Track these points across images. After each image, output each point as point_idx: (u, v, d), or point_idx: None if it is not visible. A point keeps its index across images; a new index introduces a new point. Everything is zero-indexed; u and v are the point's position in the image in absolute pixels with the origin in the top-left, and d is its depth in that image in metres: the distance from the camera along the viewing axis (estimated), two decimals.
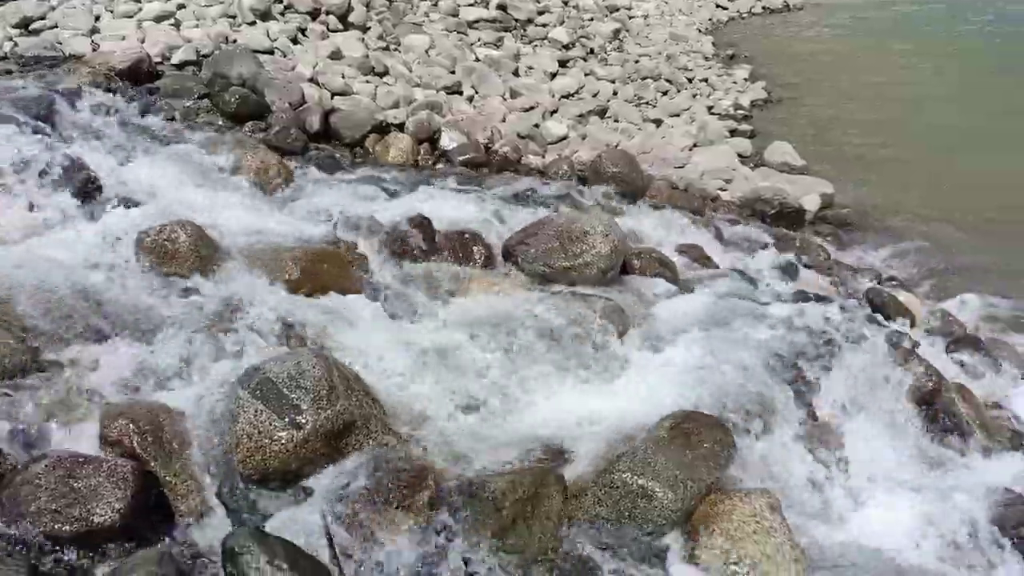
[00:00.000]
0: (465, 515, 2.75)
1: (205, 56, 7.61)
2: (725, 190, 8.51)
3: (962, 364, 5.04)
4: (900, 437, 3.84)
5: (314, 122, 6.84)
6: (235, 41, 8.22)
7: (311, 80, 7.73)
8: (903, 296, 5.86)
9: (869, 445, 3.71)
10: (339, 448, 2.89)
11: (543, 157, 7.75)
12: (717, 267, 5.34)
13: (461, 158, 7.12)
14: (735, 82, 13.62)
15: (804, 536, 3.14)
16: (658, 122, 10.48)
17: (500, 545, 2.73)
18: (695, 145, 9.86)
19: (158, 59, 7.44)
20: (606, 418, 3.42)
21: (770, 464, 3.47)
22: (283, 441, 2.78)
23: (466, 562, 2.62)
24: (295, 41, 8.85)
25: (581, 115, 9.48)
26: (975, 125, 11.68)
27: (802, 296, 4.89)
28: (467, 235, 4.78)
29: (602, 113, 9.90)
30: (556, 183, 6.37)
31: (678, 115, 11.01)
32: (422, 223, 4.68)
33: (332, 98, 7.60)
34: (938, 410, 4.06)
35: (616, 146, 8.43)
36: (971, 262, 7.31)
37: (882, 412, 3.93)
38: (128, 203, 4.47)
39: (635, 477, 2.92)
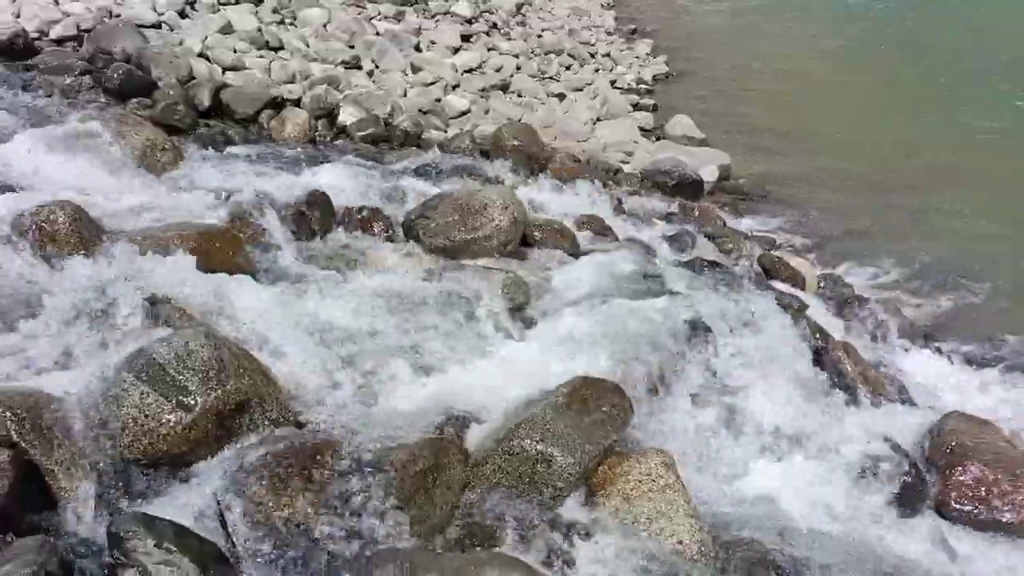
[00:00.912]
0: (365, 489, 2.72)
1: (86, 31, 7.25)
2: (627, 162, 8.64)
3: (849, 324, 5.28)
4: (790, 394, 3.98)
5: (204, 98, 6.61)
6: (118, 15, 7.84)
7: (200, 55, 7.45)
8: (794, 261, 6.08)
9: (761, 403, 3.83)
10: (232, 428, 2.82)
11: (445, 132, 7.70)
12: (617, 238, 5.42)
13: (360, 133, 7.00)
14: (637, 57, 13.79)
15: (699, 491, 3.25)
16: (561, 96, 10.54)
17: (402, 517, 2.72)
18: (598, 119, 9.96)
19: (35, 34, 7.05)
20: (506, 387, 3.43)
21: (666, 424, 3.56)
22: (171, 424, 2.69)
23: (367, 535, 2.59)
24: (183, 15, 8.51)
25: (484, 89, 9.45)
26: (870, 99, 12.19)
27: (698, 263, 5.02)
28: (366, 210, 4.71)
29: (505, 88, 9.89)
30: (458, 157, 6.34)
31: (581, 89, 11.09)
32: (319, 199, 4.59)
33: (223, 73, 7.36)
34: (825, 368, 4.24)
35: (519, 120, 8.44)
36: (860, 228, 7.65)
37: (773, 371, 4.06)
38: (3, 185, 4.23)
39: (534, 443, 2.95)
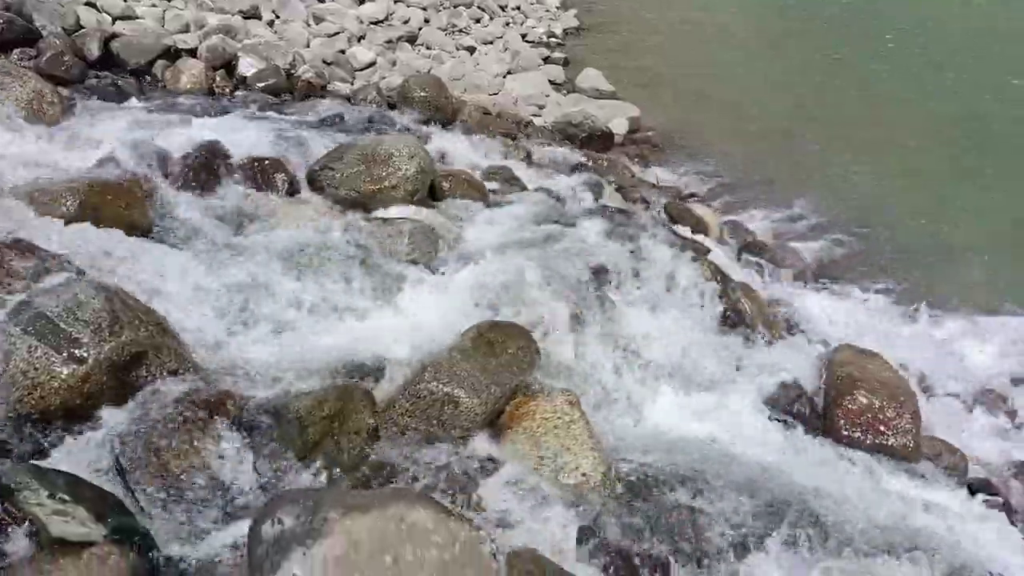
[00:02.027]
0: (269, 437, 2.70)
1: None
2: (538, 115, 8.66)
3: (749, 267, 5.46)
4: (691, 333, 4.11)
5: (93, 48, 6.29)
6: None
7: (88, 3, 7.07)
8: (699, 209, 6.24)
9: (665, 342, 3.95)
10: (129, 380, 2.74)
11: (351, 83, 7.54)
12: (526, 187, 5.44)
13: (261, 85, 6.79)
14: (548, 10, 13.74)
15: (604, 426, 3.34)
16: (471, 50, 10.44)
17: (308, 464, 2.72)
18: (509, 72, 9.92)
19: None
20: (414, 334, 3.44)
21: (573, 365, 3.63)
22: (63, 377, 2.60)
23: (270, 482, 2.58)
24: None
25: (390, 41, 9.27)
26: (776, 56, 12.48)
27: (605, 211, 5.09)
28: (267, 162, 4.59)
29: (412, 40, 9.73)
30: (364, 109, 6.22)
31: (491, 43, 11.01)
32: (216, 151, 4.45)
33: (113, 23, 7.00)
34: (725, 308, 4.38)
35: (428, 71, 8.34)
36: (762, 177, 7.87)
37: (676, 312, 4.19)
38: None
39: (441, 386, 2.98)
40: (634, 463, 3.19)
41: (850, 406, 3.63)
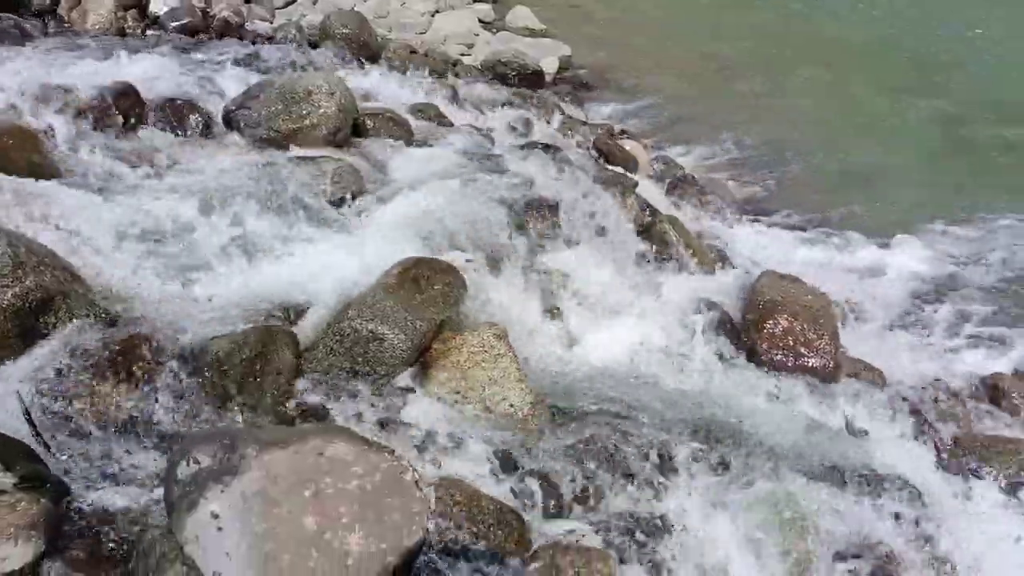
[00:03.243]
0: (187, 381, 2.65)
1: None
2: (467, 55, 8.51)
3: (678, 200, 5.51)
4: (621, 265, 4.14)
5: None
6: None
7: None
8: (629, 145, 6.24)
9: (594, 274, 3.97)
10: (36, 326, 2.65)
11: (270, 22, 7.27)
12: (453, 125, 5.35)
13: (174, 24, 6.51)
14: None
15: (532, 359, 3.36)
16: None
17: (228, 406, 2.68)
18: (437, 11, 9.69)
19: None
20: (337, 273, 3.37)
21: (501, 299, 3.62)
22: None
23: (190, 427, 2.53)
24: None
25: None
26: None
27: (533, 147, 5.04)
28: (181, 103, 4.42)
29: None
30: (284, 48, 6.01)
31: None
32: (127, 92, 4.26)
33: None
34: (653, 239, 4.41)
35: (353, 8, 8.09)
36: (692, 114, 7.92)
37: (605, 245, 4.20)
38: None
39: (365, 323, 2.95)
40: (562, 393, 3.23)
41: (772, 330, 3.71)
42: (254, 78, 4.93)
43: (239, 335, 2.83)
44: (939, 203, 6.20)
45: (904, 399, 3.85)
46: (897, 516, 3.05)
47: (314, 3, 8.13)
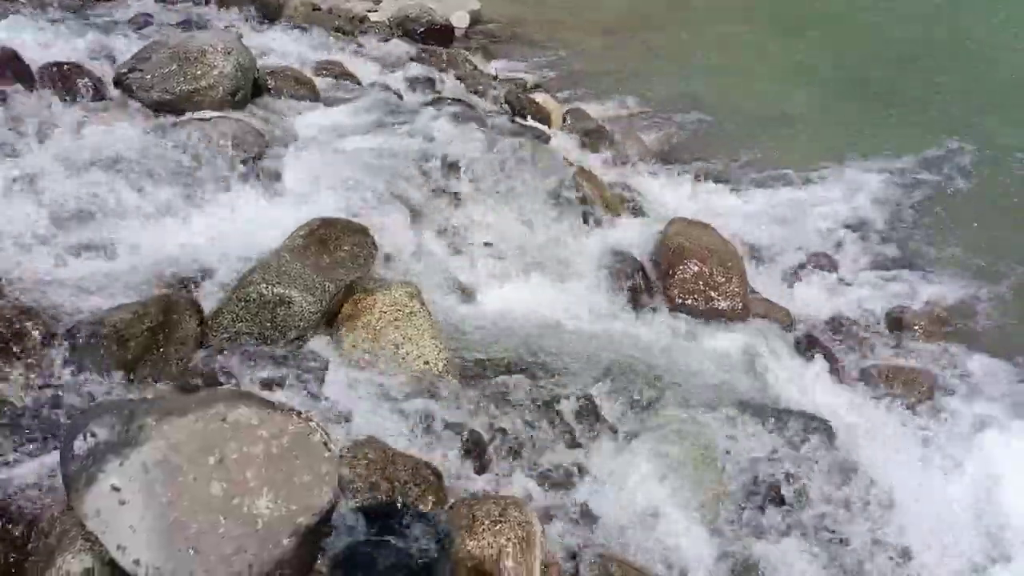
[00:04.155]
0: (85, 354, 2.54)
1: None
2: (374, 11, 8.31)
3: (591, 152, 5.51)
4: (534, 218, 4.13)
5: None
6: None
7: None
8: (541, 98, 6.20)
9: (506, 228, 3.96)
10: None
11: None
12: (360, 83, 5.23)
13: None
14: None
15: (447, 315, 3.35)
16: None
17: (131, 379, 2.59)
18: None
19: None
20: (242, 238, 3.30)
21: (414, 257, 3.59)
22: None
23: (90, 402, 2.44)
24: None
25: None
26: None
27: (443, 102, 4.97)
28: (69, 67, 4.19)
29: None
30: (178, 7, 5.76)
31: None
32: (6, 56, 4.02)
33: None
34: (565, 192, 4.41)
35: None
36: (604, 66, 7.92)
37: (516, 199, 4.18)
38: None
39: (270, 287, 2.87)
40: (478, 347, 3.23)
41: (682, 275, 3.77)
42: (147, 40, 4.70)
43: (139, 305, 2.73)
44: (843, 146, 6.36)
45: (810, 335, 3.97)
46: (805, 446, 3.16)
47: None
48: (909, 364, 4.04)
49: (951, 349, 4.19)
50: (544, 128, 5.53)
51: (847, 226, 5.31)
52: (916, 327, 4.31)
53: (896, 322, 4.38)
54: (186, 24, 5.27)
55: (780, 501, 2.93)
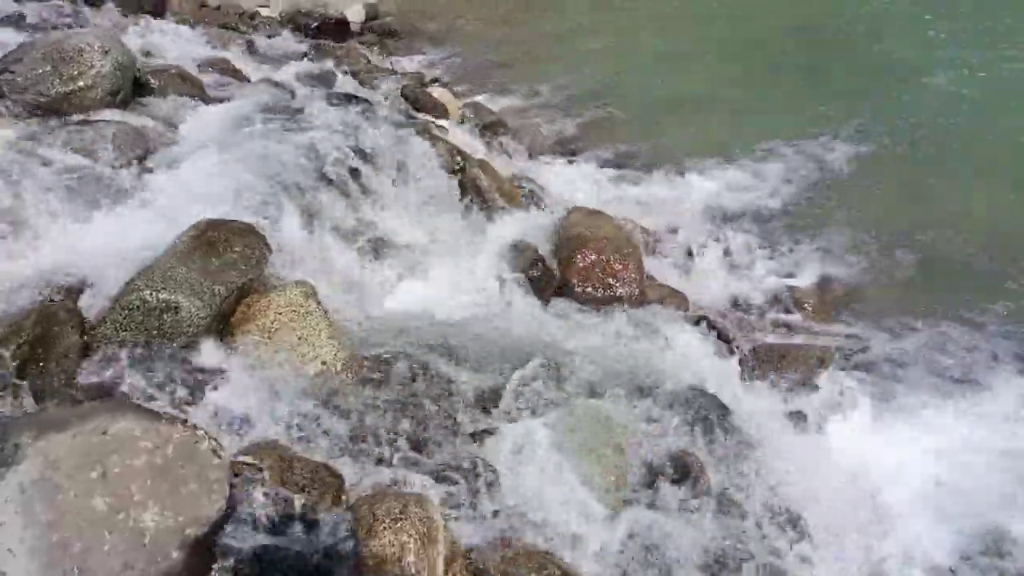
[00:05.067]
0: None
1: None
2: (266, 6, 8.12)
3: (490, 145, 5.53)
4: (434, 213, 4.13)
5: None
6: None
7: None
8: (438, 92, 6.18)
9: (405, 224, 3.94)
10: None
11: None
12: (249, 80, 5.10)
13: None
14: None
15: (346, 313, 3.30)
16: None
17: (9, 396, 2.47)
18: None
19: None
20: (126, 243, 3.17)
21: (310, 256, 3.53)
22: None
23: None
24: None
25: None
26: None
27: (336, 98, 4.89)
28: None
29: None
30: (52, 5, 5.48)
31: None
32: None
33: None
34: (464, 186, 4.42)
35: None
36: (502, 59, 7.94)
37: (415, 194, 4.17)
38: None
39: (156, 293, 2.77)
40: (379, 345, 3.19)
41: (581, 264, 3.83)
42: (18, 39, 4.47)
43: (15, 318, 2.61)
44: (739, 130, 6.53)
45: (706, 317, 4.09)
46: (701, 424, 3.25)
47: None
48: (800, 342, 4.20)
49: (840, 326, 4.38)
50: (441, 122, 5.51)
51: (742, 210, 5.48)
52: (807, 305, 4.49)
53: (788, 301, 4.55)
54: (61, 22, 5.02)
55: (679, 479, 3.02)
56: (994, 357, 4.10)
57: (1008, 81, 7.29)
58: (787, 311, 4.53)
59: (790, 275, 4.87)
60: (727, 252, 4.94)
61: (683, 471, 3.09)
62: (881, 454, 3.56)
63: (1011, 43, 8.03)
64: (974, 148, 6.26)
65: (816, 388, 3.90)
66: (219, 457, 1.98)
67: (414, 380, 3.03)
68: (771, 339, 4.26)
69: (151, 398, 2.53)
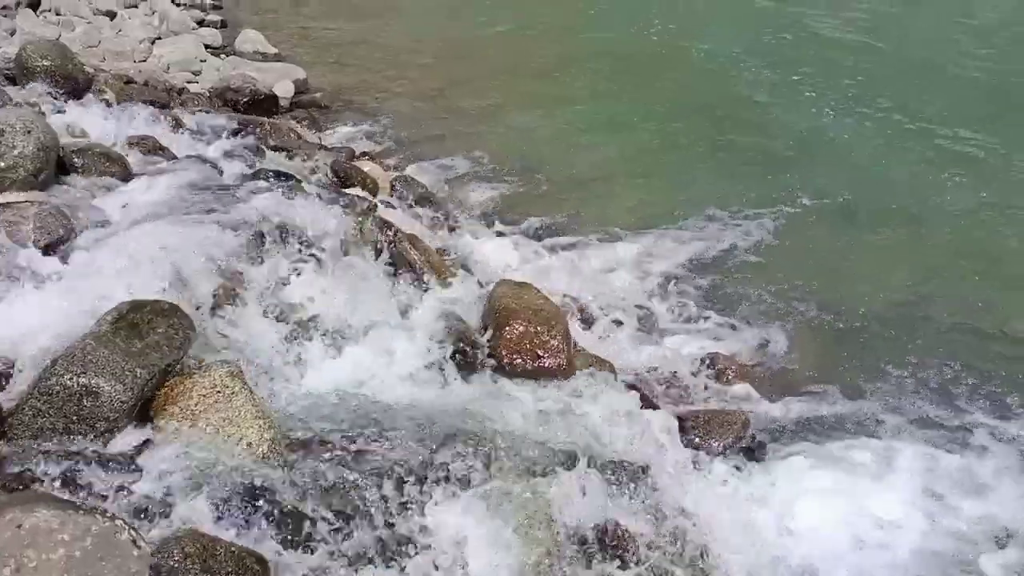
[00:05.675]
0: None
1: None
2: (194, 82, 8.17)
3: (420, 218, 5.61)
4: (363, 288, 4.15)
5: None
6: None
7: None
8: (368, 166, 6.28)
9: (333, 301, 3.95)
10: None
11: None
12: (176, 157, 5.10)
13: None
14: None
15: (273, 393, 3.29)
16: (111, 14, 9.53)
17: None
18: (158, 38, 9.21)
19: None
20: (47, 328, 3.10)
21: (237, 336, 3.52)
22: None
23: None
24: None
25: (6, 8, 8.16)
26: (433, 8, 12.75)
27: (264, 175, 4.92)
28: None
29: (35, 5, 8.65)
30: None
31: (135, 6, 10.13)
32: None
33: None
34: (394, 260, 4.47)
35: (58, 39, 7.46)
36: (431, 132, 8.08)
37: (343, 270, 4.19)
38: None
39: (76, 377, 2.73)
40: (306, 425, 3.18)
41: (509, 336, 3.89)
42: None
43: None
44: (660, 202, 6.75)
45: (634, 386, 4.18)
46: (630, 494, 3.31)
47: (11, 34, 7.40)
48: (724, 407, 4.32)
49: (759, 390, 4.52)
50: (371, 196, 5.58)
51: (666, 278, 5.64)
52: (727, 371, 4.62)
53: (712, 367, 4.68)
54: None
55: (609, 550, 3.05)
56: (904, 420, 4.31)
57: (912, 150, 7.79)
58: (711, 377, 4.65)
59: (714, 340, 5.01)
60: (652, 319, 5.07)
61: (613, 542, 3.13)
62: (805, 515, 3.66)
63: (913, 116, 8.61)
64: (885, 215, 6.63)
65: (741, 452, 4.00)
66: (139, 548, 1.94)
67: (342, 460, 3.02)
68: (696, 405, 4.36)
69: (70, 487, 2.47)
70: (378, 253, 4.49)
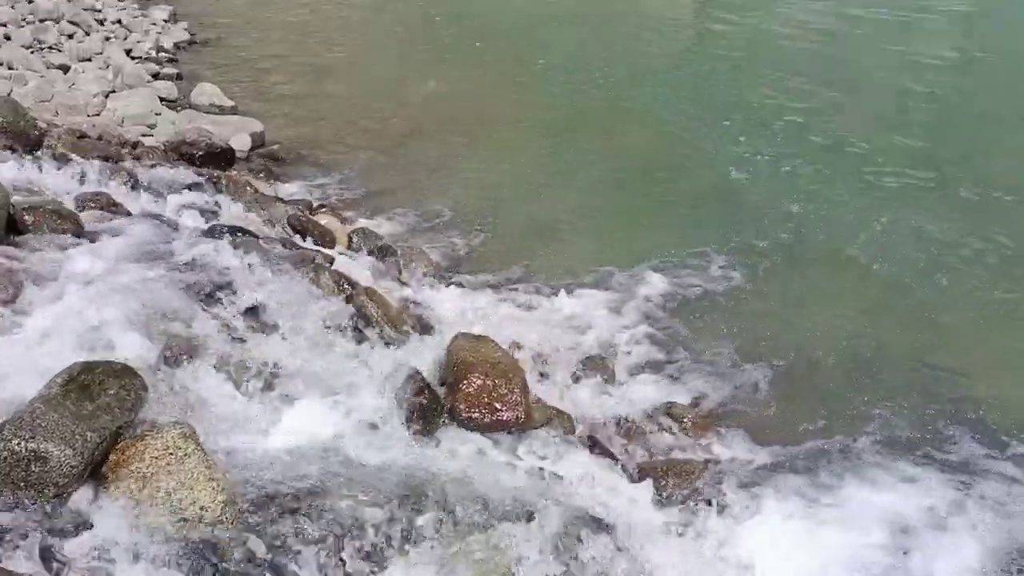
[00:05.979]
0: None
1: None
2: (149, 135, 8.16)
3: (378, 271, 5.62)
4: (316, 345, 4.13)
5: None
6: None
7: None
8: (325, 219, 6.30)
9: (287, 359, 3.92)
10: None
11: None
12: (130, 213, 5.06)
13: None
14: (154, 23, 12.97)
15: (228, 453, 3.24)
16: (65, 68, 9.51)
17: None
18: (112, 91, 9.20)
19: None
20: None
21: (190, 396, 3.47)
22: None
23: None
24: None
25: None
26: (402, 54, 12.92)
27: (220, 230, 4.92)
28: None
29: None
30: None
31: (89, 59, 10.13)
32: None
33: None
34: (352, 313, 4.46)
35: (9, 94, 7.41)
36: (389, 184, 8.14)
37: (299, 326, 4.17)
38: None
39: (23, 442, 2.66)
40: (261, 485, 3.13)
41: (467, 389, 3.89)
42: None
43: None
44: (614, 253, 6.80)
45: (591, 437, 4.20)
46: (588, 546, 3.30)
47: None
48: (681, 456, 4.35)
49: (718, 439, 4.56)
50: (328, 250, 5.59)
51: (622, 328, 5.69)
52: (686, 420, 4.66)
53: (669, 417, 4.71)
54: None
55: None
56: (864, 463, 4.37)
57: (854, 188, 8.04)
58: (669, 427, 4.69)
59: (671, 388, 5.06)
60: (609, 370, 5.11)
61: None
62: (768, 565, 3.68)
63: (851, 154, 8.90)
64: (832, 256, 6.80)
65: (701, 501, 4.03)
66: None
67: (298, 521, 2.98)
68: (655, 455, 4.39)
69: (16, 555, 2.40)
70: (335, 307, 4.46)
